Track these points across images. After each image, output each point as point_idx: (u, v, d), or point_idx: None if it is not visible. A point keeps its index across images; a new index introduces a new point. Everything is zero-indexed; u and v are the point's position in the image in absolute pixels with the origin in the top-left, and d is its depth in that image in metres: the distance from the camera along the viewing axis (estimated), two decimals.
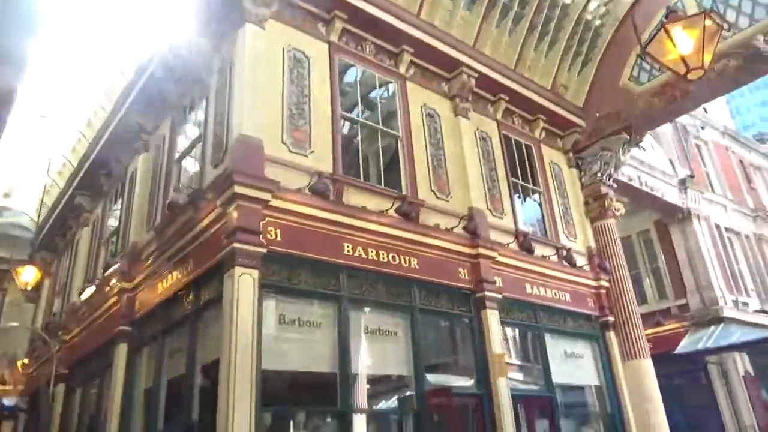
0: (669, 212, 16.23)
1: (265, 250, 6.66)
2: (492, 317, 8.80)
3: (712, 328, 14.69)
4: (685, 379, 16.06)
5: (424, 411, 7.53)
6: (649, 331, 15.69)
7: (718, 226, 17.03)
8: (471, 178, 9.78)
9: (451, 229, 8.94)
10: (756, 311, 16.14)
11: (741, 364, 14.34)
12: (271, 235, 6.92)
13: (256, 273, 6.50)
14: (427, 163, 9.43)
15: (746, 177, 20.36)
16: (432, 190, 9.23)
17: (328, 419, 7.05)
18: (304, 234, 7.25)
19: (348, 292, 7.42)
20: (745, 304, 16.15)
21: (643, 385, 10.61)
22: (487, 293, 8.84)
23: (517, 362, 9.93)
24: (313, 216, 7.37)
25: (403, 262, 8.16)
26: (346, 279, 7.47)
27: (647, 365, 10.82)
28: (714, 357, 14.50)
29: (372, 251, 7.84)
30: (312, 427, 6.84)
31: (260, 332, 6.27)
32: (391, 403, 8.00)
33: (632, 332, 11.04)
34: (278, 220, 7.07)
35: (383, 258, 7.95)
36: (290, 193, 7.24)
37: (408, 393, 7.71)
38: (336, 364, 6.92)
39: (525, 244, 10.08)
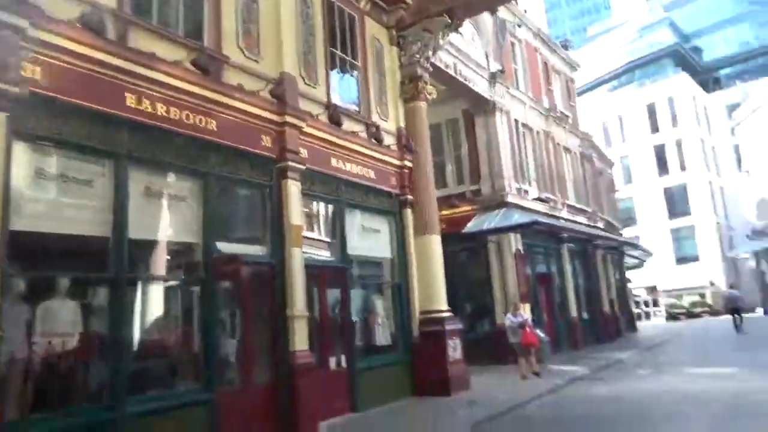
0: (477, 103, 17.11)
1: (17, 90, 5.49)
2: (293, 188, 8.63)
3: (497, 211, 16.40)
4: (469, 256, 18.01)
5: (211, 279, 7.32)
6: (446, 212, 17.05)
7: (516, 121, 18.53)
8: (285, 41, 9.06)
9: (258, 92, 8.31)
10: (534, 199, 18.33)
11: (514, 243, 16.37)
12: (29, 73, 5.72)
13: (3, 116, 5.38)
14: (237, 15, 8.46)
15: (547, 78, 22.18)
16: (240, 47, 8.39)
17: (101, 288, 6.46)
18: (75, 77, 6.13)
19: (129, 150, 6.59)
20: (527, 192, 18.22)
21: (429, 259, 11.56)
22: (290, 163, 8.57)
23: (316, 235, 10.06)
24: (88, 56, 6.23)
25: (199, 122, 7.44)
26: (127, 134, 6.60)
27: (435, 241, 11.75)
28: (494, 237, 16.33)
29: (162, 106, 6.97)
30: (79, 294, 6.20)
31: (7, 187, 5.31)
32: (178, 271, 7.60)
33: (427, 210, 11.79)
34: (40, 56, 5.84)
35: (176, 115, 7.14)
36: (56, 24, 5.96)
37: (196, 261, 7.38)
38: (110, 228, 6.26)
39: (335, 117, 9.87)
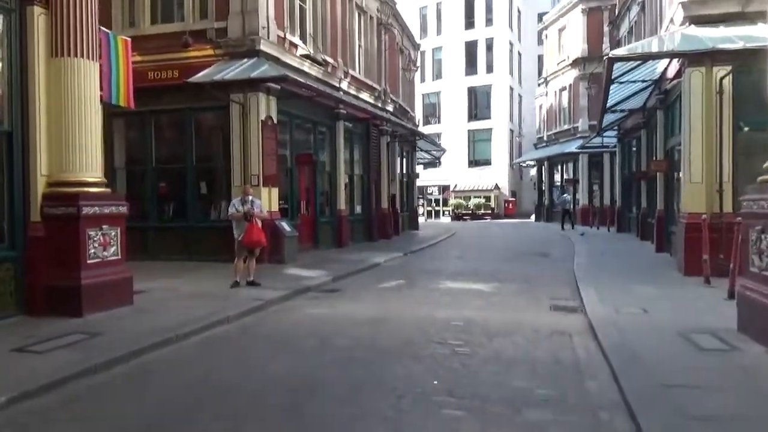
0: None
1: None
2: None
3: (245, 60, 12.07)
4: (213, 119, 13.68)
5: None
6: (179, 55, 12.43)
7: None
8: None
9: None
10: (303, 56, 14.22)
11: (265, 108, 12.33)
12: None
13: None
14: None
15: None
16: None
17: None
18: None
19: None
20: (295, 46, 14.00)
21: (74, 98, 7.06)
22: None
23: None
24: None
25: None
26: None
27: (89, 71, 7.19)
28: (238, 95, 12.10)
29: None
30: None
31: None
32: None
33: (77, 17, 7.05)
34: None
35: None
36: None
37: None
38: None
39: None
